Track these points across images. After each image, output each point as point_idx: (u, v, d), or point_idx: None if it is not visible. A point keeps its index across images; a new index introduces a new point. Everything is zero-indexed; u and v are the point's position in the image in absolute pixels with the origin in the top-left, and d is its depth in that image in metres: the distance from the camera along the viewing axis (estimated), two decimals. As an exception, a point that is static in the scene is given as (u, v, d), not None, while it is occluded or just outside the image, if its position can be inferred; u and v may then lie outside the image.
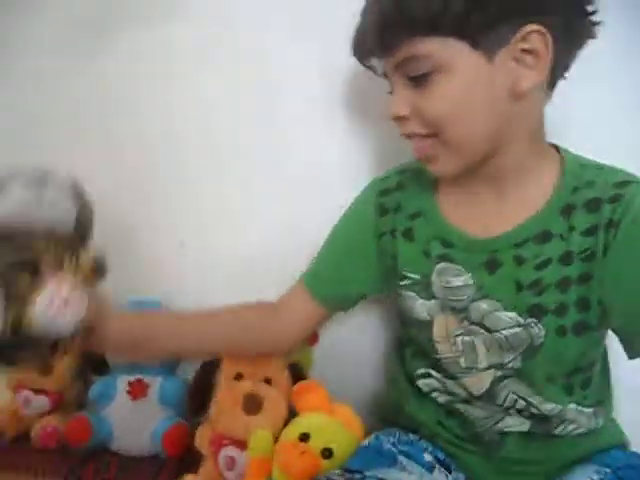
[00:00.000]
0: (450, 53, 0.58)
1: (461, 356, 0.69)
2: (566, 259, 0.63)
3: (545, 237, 0.64)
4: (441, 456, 0.72)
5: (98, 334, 0.66)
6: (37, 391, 0.93)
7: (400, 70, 0.62)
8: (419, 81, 0.60)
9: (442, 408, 0.73)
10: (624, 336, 0.65)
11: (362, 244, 0.76)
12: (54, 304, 0.58)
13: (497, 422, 0.69)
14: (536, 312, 0.64)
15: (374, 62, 0.67)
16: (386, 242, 0.74)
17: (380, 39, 0.61)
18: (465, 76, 0.59)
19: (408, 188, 0.75)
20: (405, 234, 0.73)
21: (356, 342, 0.95)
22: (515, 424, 0.69)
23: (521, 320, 0.65)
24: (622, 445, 0.73)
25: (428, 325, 0.70)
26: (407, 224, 0.73)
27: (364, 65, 0.69)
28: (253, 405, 0.74)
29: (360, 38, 0.66)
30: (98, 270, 0.69)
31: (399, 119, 0.64)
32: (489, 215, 0.68)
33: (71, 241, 0.67)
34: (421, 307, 0.71)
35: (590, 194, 0.63)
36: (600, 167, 0.66)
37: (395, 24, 0.59)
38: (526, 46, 0.57)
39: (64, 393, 0.95)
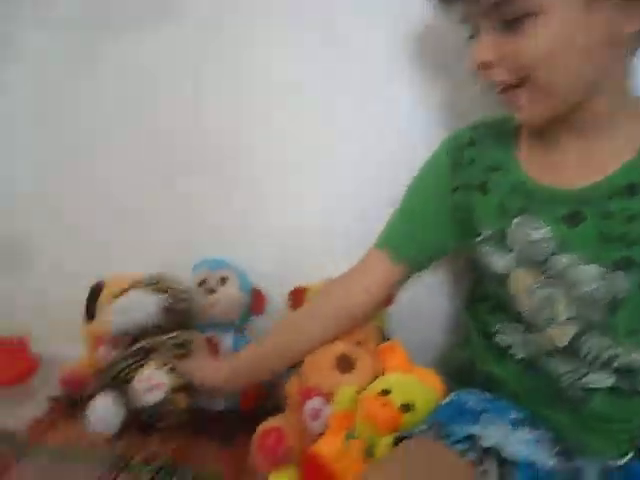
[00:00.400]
0: None
1: (540, 309, 0.69)
2: None
3: (633, 190, 0.63)
4: (524, 414, 0.72)
5: (212, 392, 0.83)
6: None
7: (492, 13, 0.60)
8: (512, 25, 0.59)
9: (522, 364, 0.73)
10: None
11: (436, 202, 0.79)
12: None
13: (581, 377, 0.69)
14: (622, 265, 0.64)
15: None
16: (460, 197, 0.76)
17: None
18: (563, 19, 0.57)
19: (483, 142, 0.76)
20: (480, 188, 0.74)
21: (426, 302, 1.00)
22: (600, 379, 0.68)
23: (605, 273, 0.64)
24: None
25: (505, 279, 0.71)
26: (482, 178, 0.74)
27: (443, 3, 0.66)
28: (346, 365, 0.80)
29: None
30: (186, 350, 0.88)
31: (485, 66, 0.63)
32: (572, 166, 0.68)
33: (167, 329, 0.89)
34: (498, 261, 0.72)
35: None
36: None
37: None
38: None
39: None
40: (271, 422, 0.83)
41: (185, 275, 1.03)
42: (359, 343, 0.83)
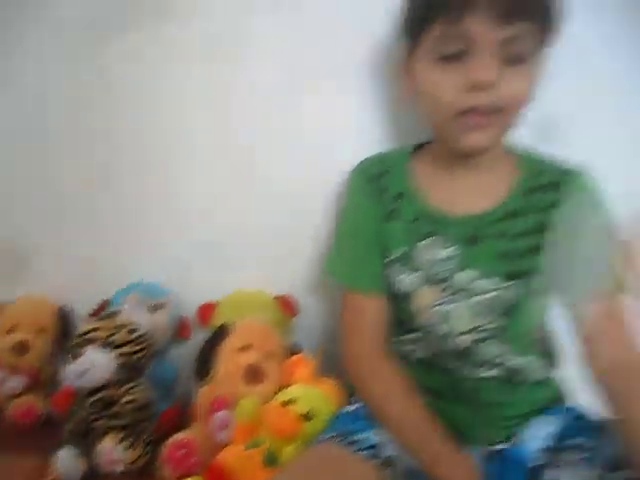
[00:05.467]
0: (540, 47, 0.69)
1: (443, 322, 0.76)
2: (534, 230, 0.74)
3: (516, 214, 0.75)
4: None
5: None
6: (13, 370, 1.01)
7: (508, 43, 0.66)
8: (513, 60, 0.67)
9: (423, 365, 0.79)
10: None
11: (372, 228, 0.81)
12: None
13: (473, 373, 0.77)
14: (513, 276, 0.74)
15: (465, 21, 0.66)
16: (379, 223, 0.81)
17: (520, 5, 0.65)
18: (538, 67, 0.70)
19: (388, 173, 0.82)
20: (391, 214, 0.80)
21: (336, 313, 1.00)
22: (490, 374, 0.76)
23: (500, 284, 0.74)
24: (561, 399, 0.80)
25: (411, 296, 0.78)
26: (391, 205, 0.80)
27: (449, 19, 0.67)
28: (254, 376, 0.82)
29: None
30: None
31: (483, 85, 0.67)
32: (469, 195, 0.77)
33: None
34: (405, 280, 0.78)
35: (543, 180, 0.76)
36: (547, 158, 0.79)
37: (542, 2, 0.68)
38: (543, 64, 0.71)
39: (39, 373, 1.04)
40: (181, 434, 0.84)
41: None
42: (269, 355, 0.85)
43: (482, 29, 0.65)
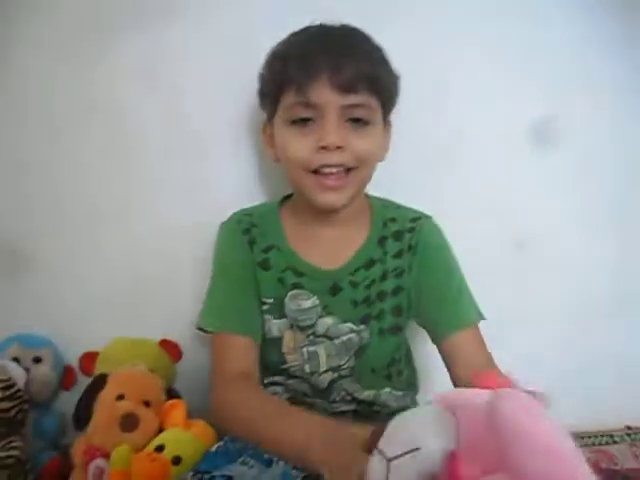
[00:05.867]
0: (378, 114, 0.80)
1: (306, 363, 0.84)
2: (383, 277, 0.83)
3: (370, 263, 0.84)
4: None
5: None
6: None
7: (350, 109, 0.76)
8: (358, 124, 0.78)
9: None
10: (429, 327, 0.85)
11: (243, 278, 0.87)
12: None
13: (332, 408, 0.85)
14: (365, 320, 0.83)
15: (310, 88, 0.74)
16: (253, 271, 0.87)
17: (362, 77, 0.75)
18: (380, 131, 0.81)
19: (259, 226, 0.88)
20: (263, 264, 0.86)
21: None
22: (347, 406, 0.85)
23: (355, 327, 0.83)
24: None
25: (278, 340, 0.85)
26: (263, 256, 0.87)
27: (297, 90, 0.75)
28: (130, 424, 0.84)
29: (330, 65, 0.74)
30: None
31: (332, 148, 0.75)
32: (329, 250, 0.86)
33: None
34: (274, 326, 0.85)
35: (394, 227, 0.85)
36: (397, 206, 0.88)
37: (383, 75, 0.78)
38: (388, 128, 0.86)
39: None
40: (60, 484, 0.85)
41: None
42: (146, 402, 0.88)
43: (327, 98, 0.74)
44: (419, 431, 0.41)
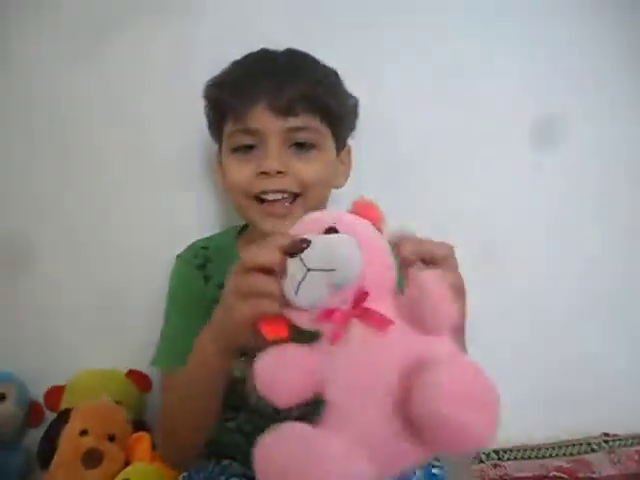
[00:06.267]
0: (326, 138, 0.76)
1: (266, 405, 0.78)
2: None
3: None
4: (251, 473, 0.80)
5: None
6: None
7: (292, 132, 0.73)
8: (301, 148, 0.74)
9: (247, 440, 0.79)
10: None
11: (201, 314, 0.83)
12: None
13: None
14: None
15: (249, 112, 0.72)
16: (208, 309, 0.84)
17: (302, 98, 0.72)
18: (329, 157, 0.77)
19: (215, 261, 0.85)
20: (218, 301, 0.83)
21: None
22: None
23: None
24: None
25: (243, 379, 0.79)
26: (219, 292, 0.82)
27: (236, 117, 0.73)
28: (92, 460, 0.82)
29: (268, 88, 0.71)
30: None
31: (273, 174, 0.72)
32: None
33: None
34: (238, 364, 0.78)
35: None
36: None
37: (321, 96, 0.74)
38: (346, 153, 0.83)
39: None
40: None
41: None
42: (110, 436, 0.86)
43: (266, 123, 0.72)
44: (339, 255, 0.47)
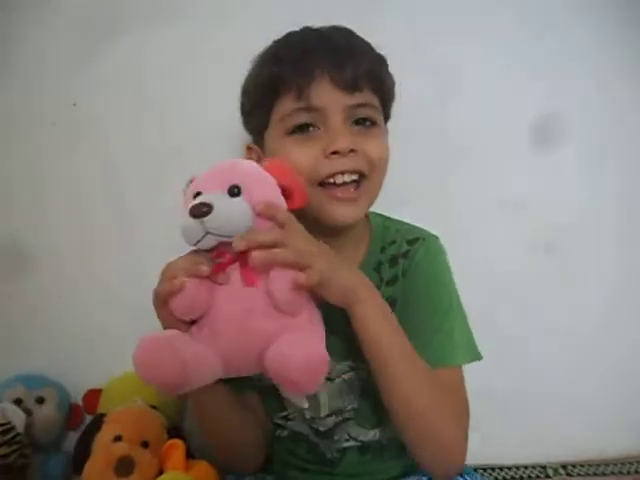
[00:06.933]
0: (382, 117, 0.72)
1: (306, 410, 0.74)
2: None
3: None
4: None
5: None
6: None
7: (355, 109, 0.68)
8: (364, 126, 0.69)
9: (289, 441, 0.78)
10: None
11: None
12: None
13: (335, 448, 0.76)
14: (361, 356, 0.66)
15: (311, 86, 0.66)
16: None
17: (365, 75, 0.67)
18: (385, 135, 0.73)
19: None
20: None
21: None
22: (348, 444, 0.76)
23: (354, 365, 0.72)
24: None
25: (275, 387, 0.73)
26: None
27: (297, 93, 0.67)
28: (125, 468, 0.78)
29: (330, 64, 0.66)
30: None
31: (345, 152, 0.66)
32: None
33: None
34: None
35: (392, 251, 0.74)
36: (398, 227, 0.77)
37: (382, 74, 0.71)
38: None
39: None
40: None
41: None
42: (144, 442, 0.82)
43: (329, 98, 0.66)
44: (235, 227, 0.56)
